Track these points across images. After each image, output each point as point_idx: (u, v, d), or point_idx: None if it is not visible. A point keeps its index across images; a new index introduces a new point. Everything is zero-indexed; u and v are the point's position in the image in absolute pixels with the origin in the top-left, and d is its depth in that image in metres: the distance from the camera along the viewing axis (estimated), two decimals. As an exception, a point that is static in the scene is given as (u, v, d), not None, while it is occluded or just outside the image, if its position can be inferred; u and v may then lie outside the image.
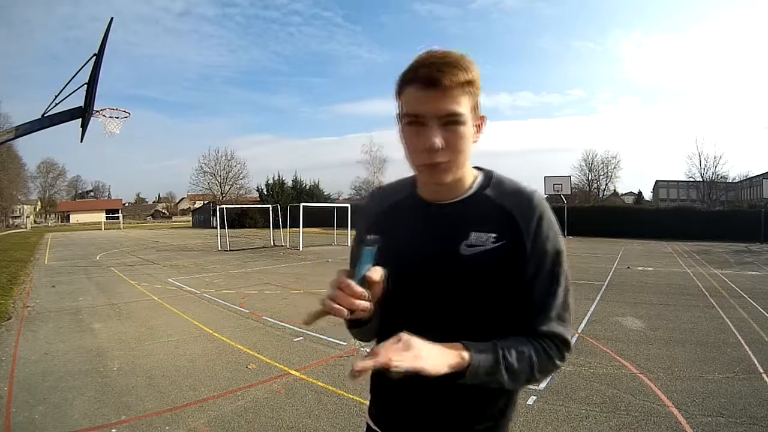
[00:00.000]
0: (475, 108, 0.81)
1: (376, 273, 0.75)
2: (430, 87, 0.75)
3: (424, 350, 0.72)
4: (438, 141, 0.75)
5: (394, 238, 0.86)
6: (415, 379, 0.71)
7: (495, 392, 0.83)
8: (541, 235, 0.82)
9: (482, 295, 0.82)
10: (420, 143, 0.77)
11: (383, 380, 0.91)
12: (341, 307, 0.72)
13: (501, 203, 0.85)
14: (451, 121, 0.76)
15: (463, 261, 0.82)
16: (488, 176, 0.90)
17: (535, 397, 3.19)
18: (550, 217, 0.84)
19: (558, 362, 0.83)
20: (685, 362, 3.94)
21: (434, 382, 0.73)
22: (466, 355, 0.75)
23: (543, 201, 0.85)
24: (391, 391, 0.91)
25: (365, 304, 0.73)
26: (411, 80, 0.78)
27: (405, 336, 0.73)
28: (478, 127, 0.84)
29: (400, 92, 0.80)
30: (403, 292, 0.85)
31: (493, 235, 0.82)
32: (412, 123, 0.78)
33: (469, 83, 0.77)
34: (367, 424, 0.99)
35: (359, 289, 0.73)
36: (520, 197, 0.85)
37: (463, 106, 0.77)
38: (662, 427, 2.77)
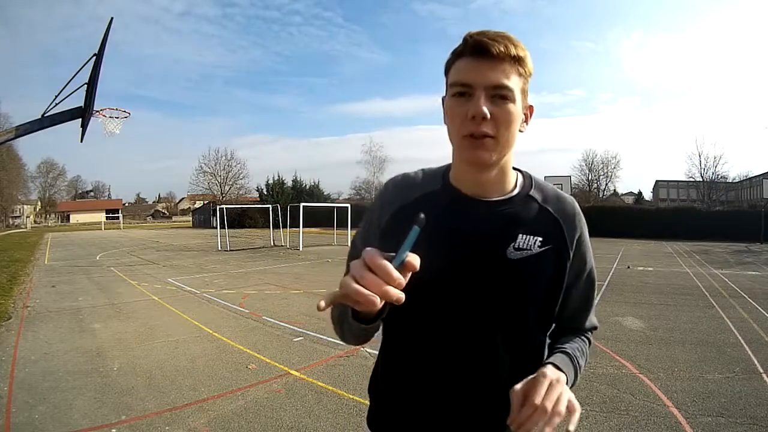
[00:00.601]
0: (524, 93, 0.77)
1: (417, 260, 0.61)
2: (480, 56, 0.72)
3: (566, 385, 0.72)
4: (485, 107, 0.71)
5: (426, 235, 0.74)
6: (431, 390, 0.75)
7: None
8: (582, 244, 0.86)
9: (528, 300, 0.81)
10: (465, 111, 0.73)
11: (396, 388, 0.87)
12: (371, 294, 0.58)
13: (547, 207, 0.83)
14: (500, 95, 0.73)
15: (511, 265, 0.78)
16: (529, 177, 0.87)
17: (535, 397, 3.18)
18: (587, 228, 0.89)
19: (593, 344, 0.97)
20: (685, 362, 3.94)
21: (452, 393, 0.76)
22: (564, 377, 0.75)
23: (581, 211, 0.88)
24: (403, 400, 0.86)
25: (400, 295, 0.59)
26: (461, 53, 0.75)
27: (550, 372, 0.71)
28: (526, 117, 0.80)
29: (449, 68, 0.78)
30: (437, 293, 0.78)
31: (540, 239, 0.80)
32: (459, 93, 0.74)
33: (520, 60, 0.74)
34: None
35: (397, 274, 0.58)
36: (564, 204, 0.85)
37: (512, 81, 0.73)
38: (662, 427, 2.77)
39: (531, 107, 0.81)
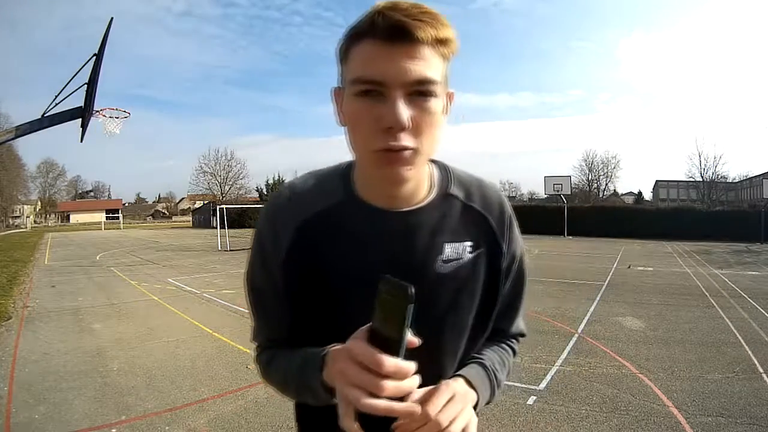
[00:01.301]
0: (445, 80, 0.61)
1: (411, 336, 0.52)
2: (396, 40, 0.54)
3: (469, 405, 0.62)
4: (405, 116, 0.55)
5: (337, 258, 0.67)
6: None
7: None
8: (514, 238, 0.75)
9: (466, 312, 0.71)
10: (377, 118, 0.56)
11: (324, 422, 0.67)
12: (403, 408, 0.51)
13: (471, 204, 0.72)
14: (422, 92, 0.56)
15: (443, 280, 0.68)
16: (445, 170, 0.73)
17: (535, 397, 3.19)
18: (515, 217, 0.77)
19: (517, 354, 0.84)
20: (685, 362, 3.94)
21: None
22: (475, 397, 0.66)
23: (507, 200, 0.77)
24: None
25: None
26: (365, 33, 0.56)
27: (454, 386, 0.61)
28: (445, 107, 0.64)
29: (346, 52, 0.59)
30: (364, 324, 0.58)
31: (469, 243, 0.70)
32: (366, 93, 0.56)
33: (446, 43, 0.58)
34: None
35: (412, 367, 0.50)
36: (489, 196, 0.73)
37: (436, 70, 0.57)
38: (662, 427, 2.77)
39: (451, 94, 0.65)
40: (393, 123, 0.55)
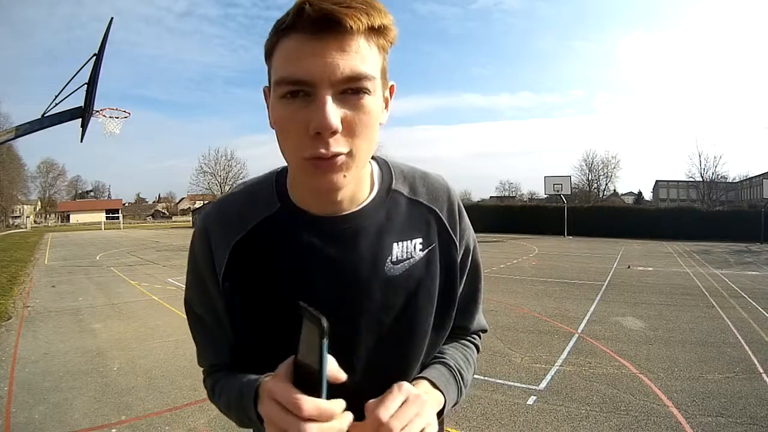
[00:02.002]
0: (384, 73, 0.56)
1: (336, 371, 0.49)
2: (322, 32, 0.49)
3: (427, 407, 0.55)
4: (334, 119, 0.49)
5: (277, 273, 0.62)
6: None
7: None
8: (465, 228, 0.71)
9: (423, 315, 0.66)
10: (304, 123, 0.50)
11: None
12: None
13: (417, 199, 0.67)
14: (354, 89, 0.51)
15: (394, 282, 0.63)
16: (386, 166, 0.69)
17: (535, 397, 3.19)
18: (462, 205, 0.72)
19: (480, 350, 0.81)
20: (685, 362, 3.94)
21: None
22: (441, 399, 0.63)
23: (453, 187, 0.72)
24: None
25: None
26: (289, 27, 0.50)
27: (407, 388, 0.55)
28: (386, 102, 0.59)
29: (271, 49, 0.54)
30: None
31: (419, 240, 0.65)
32: (292, 94, 0.51)
33: (382, 31, 0.52)
34: None
35: (337, 408, 0.47)
36: (434, 186, 0.69)
37: (371, 64, 0.52)
38: (662, 427, 2.77)
39: (392, 87, 0.60)
40: (321, 128, 0.49)
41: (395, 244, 0.63)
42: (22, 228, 43.81)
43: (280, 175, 0.67)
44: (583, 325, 5.23)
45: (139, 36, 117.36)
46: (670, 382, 3.47)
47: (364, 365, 0.63)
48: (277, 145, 0.56)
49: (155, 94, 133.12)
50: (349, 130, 0.52)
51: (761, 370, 3.71)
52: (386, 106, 0.59)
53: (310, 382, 0.46)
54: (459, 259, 0.70)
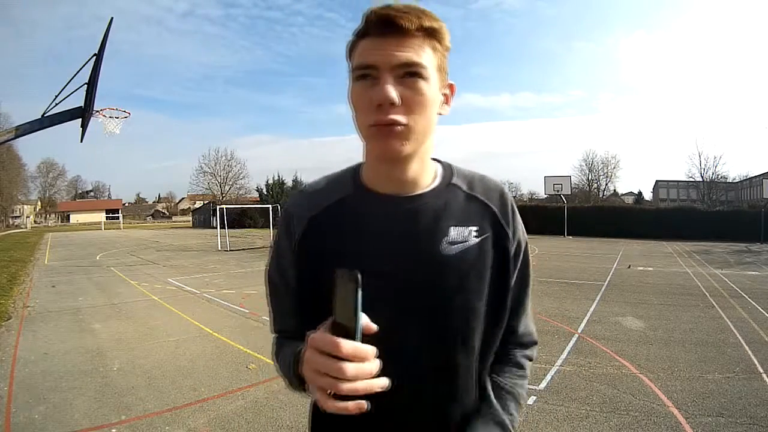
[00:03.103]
0: (441, 69, 0.67)
1: (368, 323, 0.54)
2: (386, 32, 0.62)
3: None
4: (392, 92, 0.61)
5: (345, 247, 0.71)
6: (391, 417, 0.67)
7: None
8: (518, 225, 0.78)
9: (474, 296, 0.71)
10: (370, 98, 0.62)
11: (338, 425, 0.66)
12: (362, 388, 0.51)
13: (474, 194, 0.75)
14: (410, 73, 0.63)
15: (448, 261, 0.69)
16: (448, 166, 0.78)
17: (535, 397, 3.18)
18: (515, 205, 0.80)
19: (529, 371, 0.84)
20: (685, 362, 3.94)
21: (409, 405, 0.69)
22: None
23: (508, 190, 0.81)
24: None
25: (383, 382, 0.53)
26: (364, 33, 0.65)
27: None
28: (446, 97, 0.71)
29: (351, 51, 0.67)
30: (375, 311, 0.57)
31: (474, 228, 0.72)
32: (362, 77, 0.64)
33: (434, 32, 0.65)
34: None
35: (371, 350, 0.52)
36: (491, 187, 0.77)
37: (425, 57, 0.64)
38: (662, 427, 2.77)
39: (452, 86, 0.72)
40: (382, 100, 0.61)
41: (452, 228, 0.71)
42: (22, 228, 43.82)
43: (357, 166, 0.78)
44: (583, 325, 5.23)
45: (139, 36, 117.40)
46: (670, 382, 3.47)
47: (416, 334, 0.70)
48: (352, 122, 0.68)
49: (155, 94, 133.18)
50: (406, 106, 0.63)
51: (761, 370, 3.71)
52: (447, 101, 0.71)
53: (345, 335, 0.51)
54: (512, 253, 0.75)
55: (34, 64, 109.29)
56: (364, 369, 0.51)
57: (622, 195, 48.78)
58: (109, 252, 16.36)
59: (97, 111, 8.72)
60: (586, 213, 24.94)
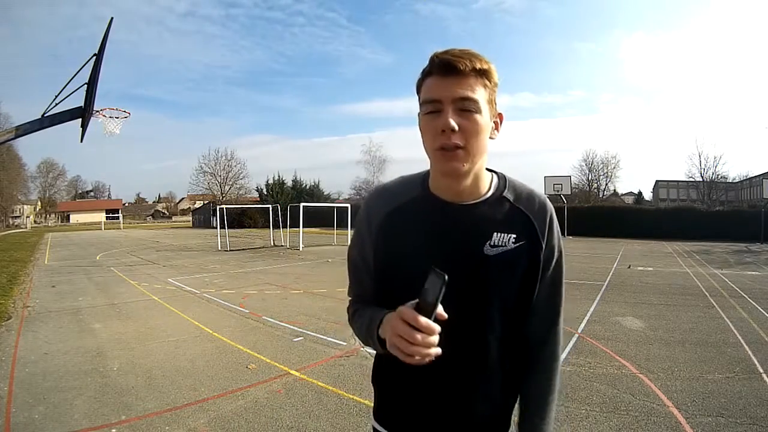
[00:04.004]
0: (491, 102, 0.83)
1: (441, 311, 0.71)
2: (446, 73, 0.78)
3: None
4: (452, 121, 0.77)
5: (411, 238, 0.89)
6: (431, 378, 0.86)
7: (508, 391, 1.03)
8: (554, 236, 0.92)
9: (507, 291, 0.88)
10: (435, 126, 0.79)
11: (394, 380, 0.96)
12: (426, 354, 0.70)
13: (519, 206, 0.90)
14: (466, 108, 0.78)
15: (488, 260, 0.86)
16: (503, 179, 0.93)
17: (535, 397, 3.18)
18: (557, 221, 0.94)
19: (560, 363, 1.04)
20: (685, 362, 3.94)
21: (448, 380, 0.88)
22: None
23: (552, 206, 0.94)
24: (404, 391, 0.95)
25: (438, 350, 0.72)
26: (429, 72, 0.81)
27: None
28: (496, 124, 0.87)
29: (420, 87, 0.84)
30: None
31: (513, 235, 0.87)
32: (429, 111, 0.80)
33: (484, 72, 0.80)
34: (373, 427, 1.01)
35: (436, 330, 0.71)
36: (535, 202, 0.91)
37: (477, 93, 0.79)
38: (662, 427, 2.77)
39: (500, 115, 0.87)
40: (444, 126, 0.78)
41: (495, 233, 0.87)
42: (22, 228, 43.82)
43: (426, 173, 0.94)
44: (583, 325, 5.23)
45: (140, 36, 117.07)
46: (670, 382, 3.47)
47: (456, 319, 0.81)
48: (421, 144, 0.85)
49: (156, 94, 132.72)
50: (464, 132, 0.79)
51: (761, 370, 3.71)
52: (497, 128, 0.87)
53: (424, 313, 0.70)
54: (543, 258, 0.90)
55: (34, 64, 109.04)
56: (428, 339, 0.69)
57: (622, 195, 48.73)
58: (109, 252, 16.37)
59: (97, 111, 8.70)
60: (586, 213, 24.96)
